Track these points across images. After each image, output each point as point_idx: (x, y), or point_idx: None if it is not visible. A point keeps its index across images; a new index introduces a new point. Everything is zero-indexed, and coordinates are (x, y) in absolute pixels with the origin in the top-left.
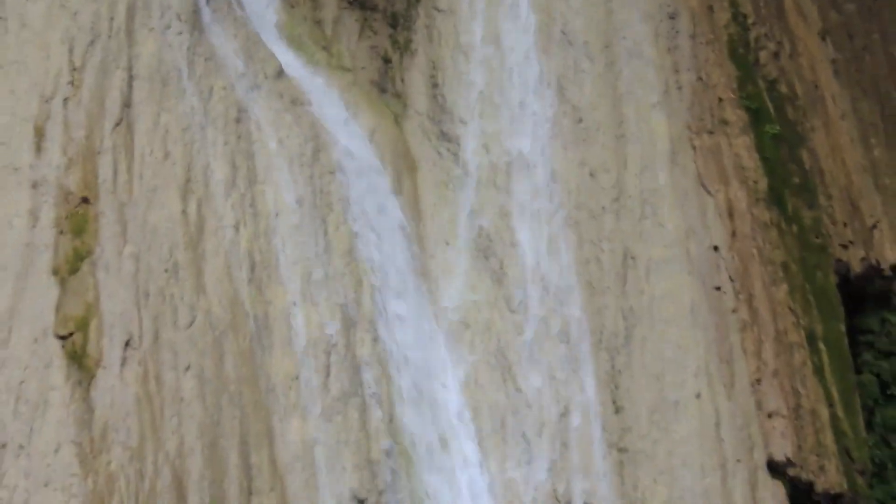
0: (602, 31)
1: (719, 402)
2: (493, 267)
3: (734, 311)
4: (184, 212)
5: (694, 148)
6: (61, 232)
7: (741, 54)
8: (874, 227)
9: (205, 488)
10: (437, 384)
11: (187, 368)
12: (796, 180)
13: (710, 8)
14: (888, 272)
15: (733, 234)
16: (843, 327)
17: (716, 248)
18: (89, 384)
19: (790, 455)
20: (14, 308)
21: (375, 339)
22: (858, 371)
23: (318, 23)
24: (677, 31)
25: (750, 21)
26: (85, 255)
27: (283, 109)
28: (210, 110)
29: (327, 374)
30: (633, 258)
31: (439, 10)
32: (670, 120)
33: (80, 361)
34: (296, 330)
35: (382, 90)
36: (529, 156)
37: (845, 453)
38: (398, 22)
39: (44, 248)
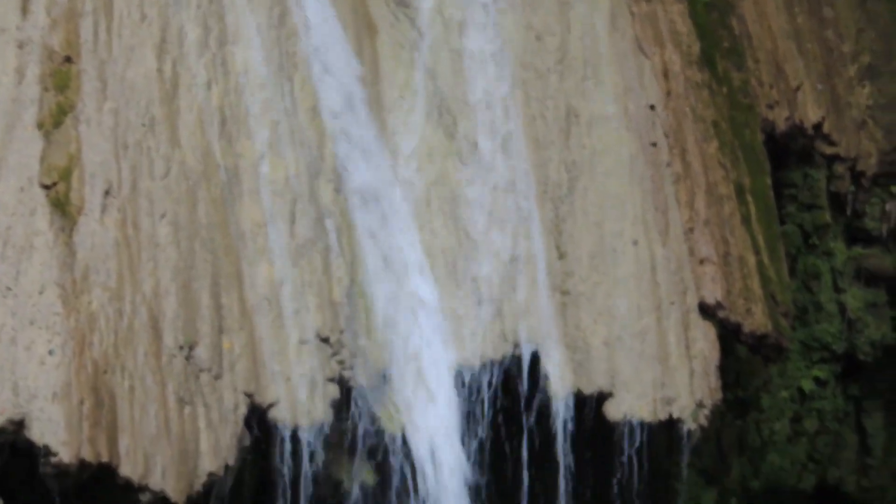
0: None
1: (655, 249)
2: (447, 123)
3: (668, 164)
4: (159, 70)
5: (632, 14)
6: (46, 88)
7: None
8: (797, 89)
9: (179, 327)
10: (394, 230)
11: (163, 215)
12: (726, 44)
13: None
14: (810, 131)
15: (668, 93)
16: (769, 181)
17: (652, 107)
18: (71, 230)
19: (720, 298)
20: (1, 159)
21: (337, 190)
22: (783, 222)
23: None
24: None
25: None
26: (68, 110)
27: None
28: None
29: (293, 222)
30: (575, 115)
31: None
32: None
33: (63, 209)
34: (263, 180)
35: None
36: (481, 20)
37: (771, 298)
38: None
39: (29, 103)
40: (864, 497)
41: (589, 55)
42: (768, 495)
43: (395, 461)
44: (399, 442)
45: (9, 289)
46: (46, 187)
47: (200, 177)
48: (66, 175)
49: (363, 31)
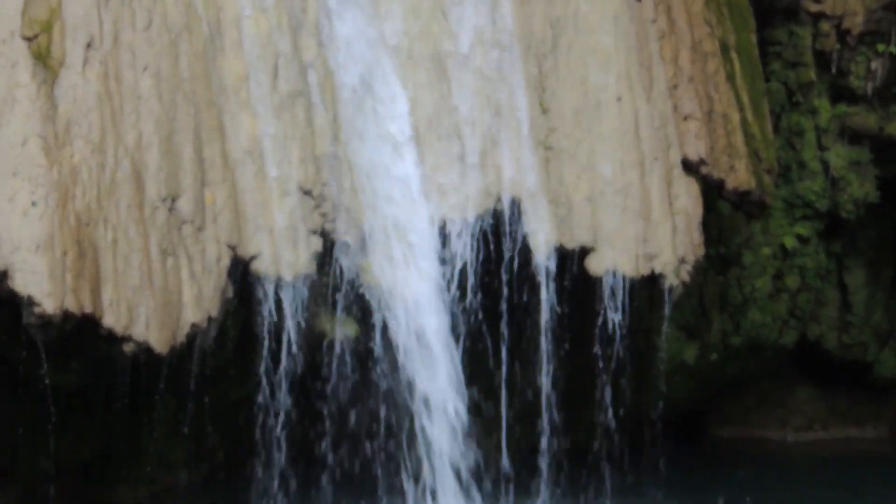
0: None
1: (639, 105)
2: None
3: (653, 21)
4: None
5: None
6: None
7: None
8: None
9: (161, 179)
10: (378, 83)
11: (145, 68)
12: None
13: None
14: None
15: None
16: (754, 38)
17: None
18: (53, 82)
19: (703, 155)
20: None
21: (320, 44)
22: (767, 80)
23: None
24: None
25: None
26: None
27: None
28: None
29: (275, 76)
30: None
31: None
32: None
33: (45, 61)
34: (246, 34)
35: None
36: None
37: (754, 154)
38: None
39: None
40: (845, 354)
41: None
42: (749, 351)
43: (377, 314)
44: (380, 295)
45: None
46: (28, 39)
47: (182, 29)
48: (47, 27)
49: None
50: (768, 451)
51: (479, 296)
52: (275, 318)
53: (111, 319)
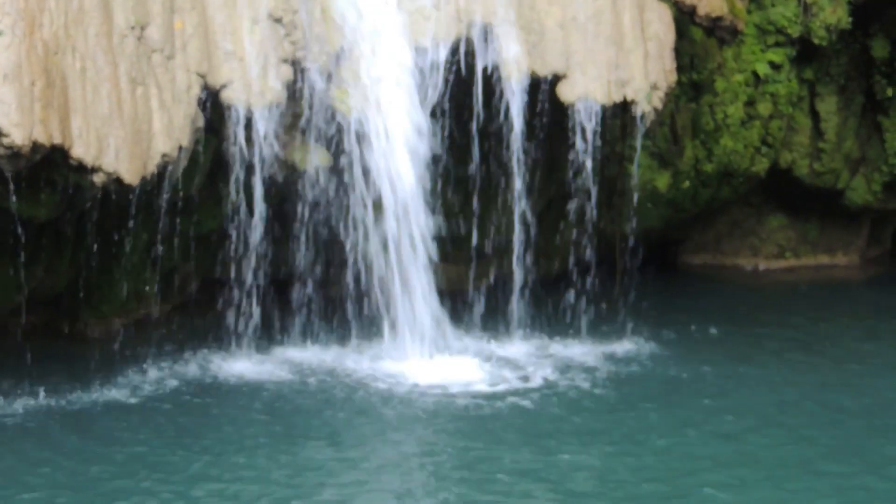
0: None
1: None
2: None
3: None
4: None
5: None
6: None
7: None
8: None
9: (129, 7)
10: None
11: None
12: None
13: None
14: None
15: None
16: None
17: None
18: None
19: None
20: None
21: None
22: None
23: None
24: None
25: None
26: None
27: None
28: None
29: None
30: None
31: None
32: None
33: None
34: None
35: None
36: None
37: None
38: None
39: None
40: (816, 181)
41: None
42: (721, 178)
43: (350, 141)
44: (353, 123)
45: None
46: None
47: None
48: None
49: None
50: (739, 279)
51: (452, 123)
52: (245, 147)
53: (81, 150)
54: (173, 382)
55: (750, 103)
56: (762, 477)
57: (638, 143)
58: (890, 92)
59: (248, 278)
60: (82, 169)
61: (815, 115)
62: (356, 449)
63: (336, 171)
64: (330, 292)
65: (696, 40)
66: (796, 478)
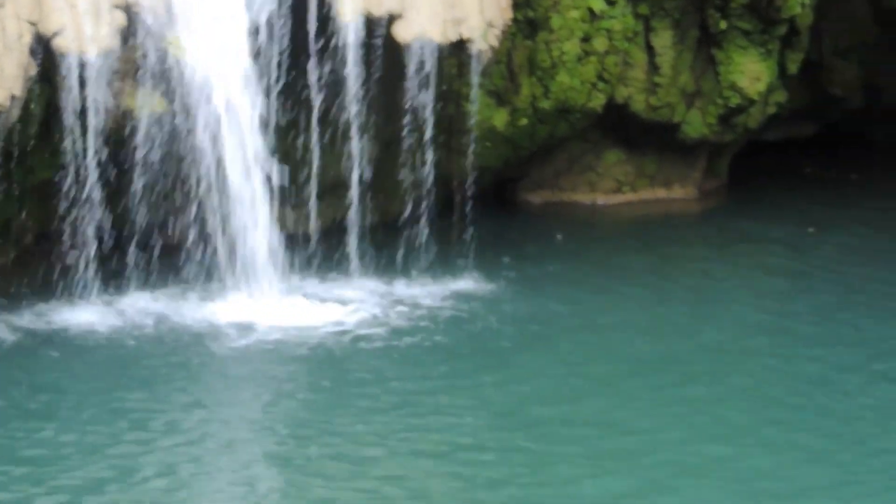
0: None
1: None
2: None
3: None
4: None
5: None
6: None
7: None
8: None
9: None
10: None
11: None
12: None
13: None
14: None
15: None
16: None
17: None
18: None
19: None
20: None
21: None
22: None
23: None
24: None
25: None
26: None
27: None
28: None
29: None
30: None
31: None
32: None
33: None
34: None
35: None
36: None
37: None
38: None
39: None
40: (653, 115)
41: None
42: (558, 115)
43: (183, 88)
44: (188, 70)
45: None
46: None
47: None
48: None
49: None
50: (578, 215)
51: (289, 67)
52: (79, 95)
53: None
54: (8, 334)
55: (586, 39)
56: (599, 401)
57: (474, 81)
58: (724, 25)
59: (86, 228)
60: None
61: (650, 49)
62: (186, 394)
63: (172, 115)
64: (171, 239)
65: None
66: (630, 405)
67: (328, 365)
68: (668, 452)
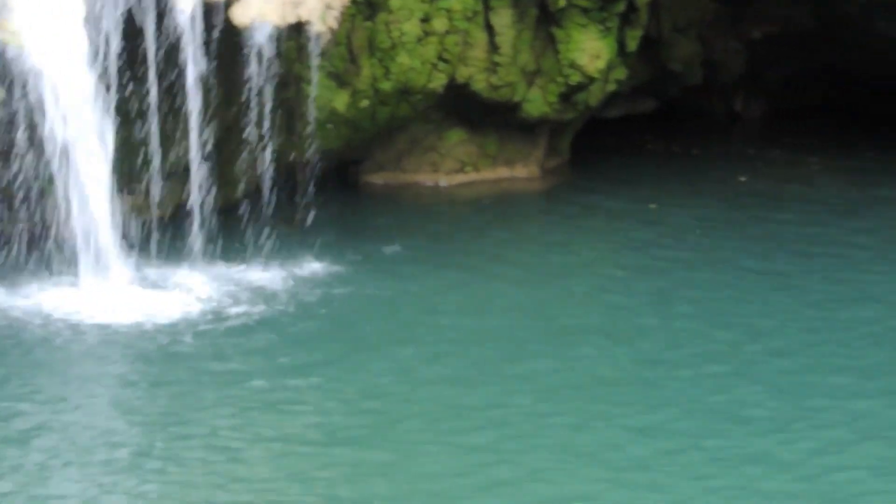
0: None
1: None
2: None
3: None
4: None
5: None
6: None
7: None
8: None
9: None
10: None
11: None
12: None
13: None
14: None
15: None
16: None
17: None
18: None
19: None
20: None
21: None
22: None
23: None
24: None
25: None
26: None
27: None
28: None
29: None
30: None
31: None
32: None
33: None
34: None
35: None
36: None
37: None
38: None
39: None
40: (494, 94)
41: None
42: (399, 96)
43: (20, 74)
44: (22, 55)
45: None
46: None
47: None
48: None
49: None
50: (421, 196)
51: (128, 53)
52: None
53: None
54: None
55: (425, 20)
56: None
57: (314, 64)
58: (562, 2)
59: None
60: None
61: (490, 29)
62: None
63: (4, 102)
64: (10, 228)
65: None
66: (465, 383)
67: (169, 353)
68: (502, 428)
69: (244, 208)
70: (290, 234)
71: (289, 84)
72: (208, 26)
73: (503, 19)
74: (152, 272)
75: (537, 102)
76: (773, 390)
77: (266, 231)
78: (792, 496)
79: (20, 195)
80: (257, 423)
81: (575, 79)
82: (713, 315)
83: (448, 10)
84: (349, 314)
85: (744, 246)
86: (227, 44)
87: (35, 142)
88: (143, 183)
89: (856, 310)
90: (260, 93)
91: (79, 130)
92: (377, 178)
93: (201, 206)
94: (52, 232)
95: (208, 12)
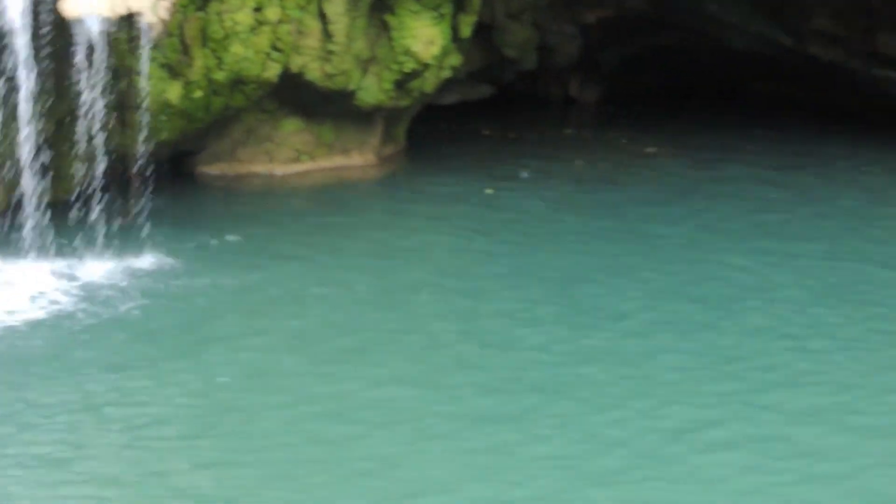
0: None
1: None
2: None
3: None
4: None
5: None
6: None
7: None
8: None
9: None
10: None
11: None
12: None
13: None
14: None
15: None
16: None
17: None
18: None
19: None
20: None
21: None
22: None
23: None
24: None
25: None
26: None
27: None
28: None
29: None
30: None
31: None
32: None
33: None
34: None
35: None
36: None
37: None
38: None
39: None
40: (328, 83)
41: None
42: (233, 86)
43: None
44: None
45: None
46: None
47: None
48: None
49: None
50: (257, 186)
51: None
52: None
53: None
54: None
55: (258, 9)
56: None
57: (146, 55)
58: None
59: None
60: None
61: (323, 17)
62: None
63: None
64: None
65: None
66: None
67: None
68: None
69: (79, 202)
70: (125, 227)
71: (121, 76)
72: (38, 19)
73: (336, 7)
74: None
75: (372, 90)
76: (621, 367)
77: (101, 224)
78: None
79: None
80: (94, 420)
81: (409, 66)
82: (553, 296)
83: (280, 0)
84: (186, 306)
85: (581, 228)
86: (57, 37)
87: None
88: None
89: (707, 288)
90: (92, 85)
91: None
92: (213, 169)
93: (34, 200)
94: None
95: (38, 4)
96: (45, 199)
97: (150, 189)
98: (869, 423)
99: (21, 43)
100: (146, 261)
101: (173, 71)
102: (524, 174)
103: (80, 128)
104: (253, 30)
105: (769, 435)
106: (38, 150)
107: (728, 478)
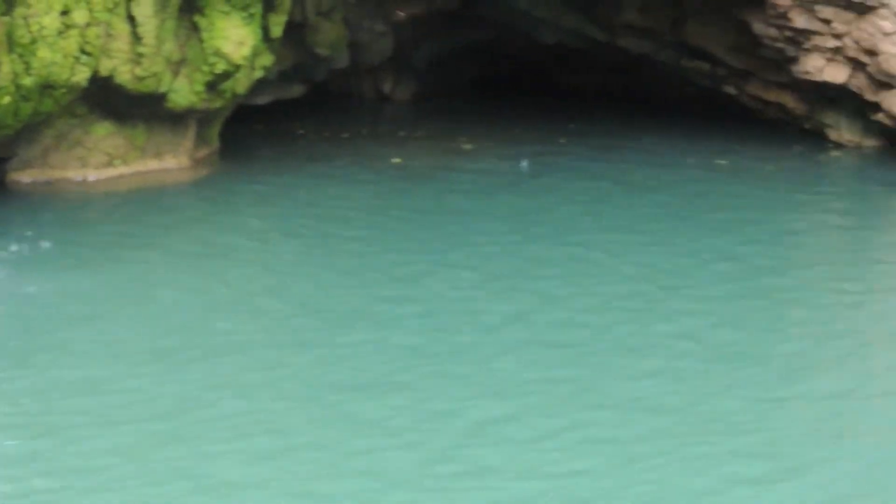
0: None
1: None
2: None
3: None
4: None
5: None
6: None
7: None
8: None
9: None
10: None
11: None
12: None
13: None
14: None
15: None
16: None
17: None
18: None
19: None
20: None
21: None
22: None
23: None
24: None
25: None
26: None
27: None
28: None
29: None
30: None
31: None
32: None
33: None
34: None
35: None
36: None
37: None
38: None
39: None
40: (139, 86)
41: None
42: (42, 91)
43: None
44: None
45: None
46: None
47: None
48: None
49: None
50: (70, 192)
51: None
52: None
53: None
54: None
55: (65, 13)
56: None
57: None
58: None
59: None
60: None
61: (132, 20)
62: None
63: None
64: None
65: None
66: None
67: None
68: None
69: None
70: None
71: None
72: None
73: (145, 9)
74: None
75: (183, 92)
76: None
77: None
78: None
79: None
80: None
81: (220, 67)
82: (357, 287)
83: (88, 2)
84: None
85: (398, 224)
86: None
87: None
88: None
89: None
90: None
91: None
92: (24, 176)
93: None
94: None
95: None
96: None
97: None
98: None
99: None
100: None
101: None
102: (338, 173)
103: None
104: (60, 34)
105: None
106: None
107: None
